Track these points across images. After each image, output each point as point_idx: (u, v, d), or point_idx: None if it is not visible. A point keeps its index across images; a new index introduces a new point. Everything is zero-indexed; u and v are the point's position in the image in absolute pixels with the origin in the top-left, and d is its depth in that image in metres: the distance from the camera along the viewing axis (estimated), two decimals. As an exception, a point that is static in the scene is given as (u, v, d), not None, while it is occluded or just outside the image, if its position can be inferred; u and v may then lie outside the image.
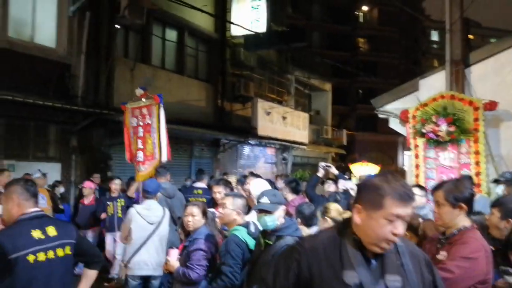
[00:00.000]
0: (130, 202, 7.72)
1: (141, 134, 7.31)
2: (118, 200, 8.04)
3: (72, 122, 10.90)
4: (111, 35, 11.83)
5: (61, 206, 8.85)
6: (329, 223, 4.39)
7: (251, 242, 3.76)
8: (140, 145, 7.29)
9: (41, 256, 2.88)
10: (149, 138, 7.20)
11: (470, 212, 2.88)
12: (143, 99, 7.34)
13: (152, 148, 7.17)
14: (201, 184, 7.68)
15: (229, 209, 3.95)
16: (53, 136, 10.97)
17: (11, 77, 9.27)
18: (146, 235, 5.36)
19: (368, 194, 1.92)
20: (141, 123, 7.33)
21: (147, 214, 5.42)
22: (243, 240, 3.76)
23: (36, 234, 2.91)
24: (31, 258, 2.82)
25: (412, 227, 3.37)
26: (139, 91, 7.41)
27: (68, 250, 3.03)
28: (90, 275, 3.30)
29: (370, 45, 42.09)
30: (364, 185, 2.00)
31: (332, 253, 1.94)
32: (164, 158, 7.01)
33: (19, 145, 10.19)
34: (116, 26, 11.96)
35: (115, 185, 8.29)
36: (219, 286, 3.73)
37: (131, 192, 8.04)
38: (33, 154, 10.43)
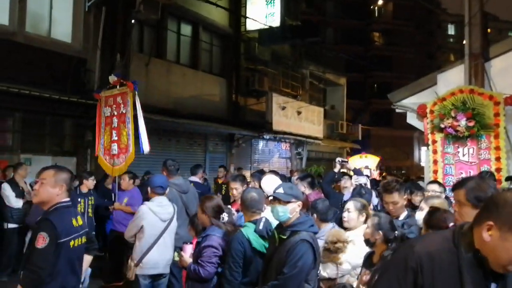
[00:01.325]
0: (106, 194, 7.47)
1: (115, 124, 6.79)
2: (90, 197, 7.52)
3: (87, 116, 10.94)
4: (127, 30, 11.85)
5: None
6: (364, 220, 4.33)
7: (256, 240, 3.71)
8: (114, 137, 6.76)
9: (77, 242, 3.33)
10: (124, 129, 6.69)
11: None
12: (118, 87, 6.84)
13: (126, 140, 6.66)
14: (195, 178, 7.66)
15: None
16: (69, 130, 11.04)
17: (28, 72, 9.33)
18: (158, 233, 5.18)
19: (509, 214, 1.66)
20: (115, 113, 6.79)
21: (160, 211, 5.24)
22: (247, 237, 3.70)
23: (74, 222, 3.35)
24: (71, 243, 3.26)
25: (429, 222, 3.29)
26: (112, 78, 6.95)
27: (84, 238, 3.45)
28: (87, 259, 3.63)
29: (385, 39, 41.68)
30: (505, 202, 1.71)
31: (449, 267, 1.75)
32: (147, 149, 6.56)
33: (36, 139, 10.27)
34: (132, 21, 11.97)
35: (88, 181, 7.63)
36: (222, 284, 3.74)
37: (107, 184, 7.82)
38: (49, 148, 10.52)
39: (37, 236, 3.12)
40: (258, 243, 3.71)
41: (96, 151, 7.15)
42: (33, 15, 10.09)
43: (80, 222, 3.43)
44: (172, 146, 13.67)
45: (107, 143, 6.85)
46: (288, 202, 3.40)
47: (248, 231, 3.75)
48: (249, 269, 3.68)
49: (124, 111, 6.67)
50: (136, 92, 6.61)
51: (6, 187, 7.35)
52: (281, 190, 3.49)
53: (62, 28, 10.74)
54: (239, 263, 3.64)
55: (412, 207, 5.08)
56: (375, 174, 14.38)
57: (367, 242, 3.65)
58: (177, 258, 4.53)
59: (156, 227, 5.21)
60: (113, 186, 7.49)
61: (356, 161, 14.31)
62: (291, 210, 3.41)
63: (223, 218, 4.11)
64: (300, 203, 3.48)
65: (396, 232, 3.50)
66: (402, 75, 33.82)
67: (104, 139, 6.89)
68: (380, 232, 3.52)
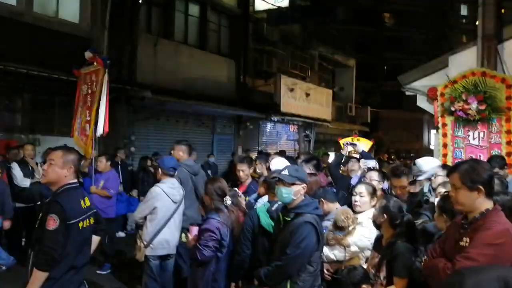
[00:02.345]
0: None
1: (89, 103, 6.46)
2: None
3: (96, 97, 10.96)
4: (134, 10, 11.76)
5: (81, 180, 8.89)
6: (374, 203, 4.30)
7: (264, 219, 3.83)
8: (87, 116, 6.42)
9: (85, 223, 3.36)
10: (94, 109, 6.38)
11: (491, 194, 2.67)
12: (94, 63, 6.44)
13: (95, 120, 6.33)
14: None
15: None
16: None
17: (36, 52, 9.31)
18: (169, 214, 5.25)
19: None
20: (89, 91, 6.46)
21: (172, 192, 5.30)
22: (257, 214, 3.86)
23: (82, 204, 3.39)
24: (80, 224, 3.30)
25: (442, 208, 3.25)
26: (87, 54, 6.50)
27: (92, 219, 3.48)
28: (95, 240, 3.66)
29: (396, 20, 41.05)
30: None
31: None
32: (100, 131, 6.21)
33: (44, 120, 10.30)
34: (139, 1, 11.87)
35: None
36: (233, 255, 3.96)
37: (84, 167, 7.38)
38: (58, 129, 10.54)
39: (47, 218, 3.17)
40: (266, 222, 3.82)
41: (72, 130, 6.77)
42: (40, -6, 10.04)
43: (88, 203, 3.48)
44: (179, 128, 13.66)
45: (83, 122, 6.52)
46: (293, 184, 3.43)
47: (261, 209, 3.91)
48: (256, 244, 3.84)
49: (94, 90, 6.33)
50: (106, 70, 6.20)
51: (15, 166, 7.40)
52: (286, 172, 3.54)
53: (70, 9, 10.70)
54: (248, 237, 3.83)
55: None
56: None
57: (375, 223, 3.66)
58: (184, 239, 4.56)
59: (168, 209, 5.28)
60: (89, 169, 7.17)
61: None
62: (295, 192, 3.44)
63: (225, 201, 4.10)
64: (305, 185, 3.50)
65: (405, 217, 3.48)
66: (413, 57, 33.37)
67: (82, 118, 6.54)
68: (385, 215, 3.53)
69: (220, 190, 4.15)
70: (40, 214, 3.44)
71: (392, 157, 19.52)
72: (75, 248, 3.28)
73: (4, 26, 9.06)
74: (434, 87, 7.44)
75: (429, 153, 13.80)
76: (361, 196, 4.29)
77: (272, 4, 15.83)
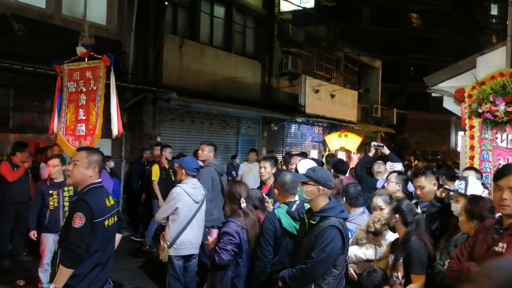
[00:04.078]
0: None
1: (83, 102, 6.08)
2: (65, 188, 5.87)
3: (122, 98, 11.11)
4: (160, 12, 11.90)
5: None
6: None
7: (287, 221, 3.78)
8: (82, 116, 6.07)
9: (110, 221, 3.47)
10: (94, 109, 6.04)
11: None
12: (86, 60, 6.09)
13: (95, 121, 6.01)
14: None
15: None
16: (105, 112, 11.22)
17: (65, 54, 9.47)
18: (191, 214, 5.29)
19: None
20: (83, 89, 6.07)
21: (194, 192, 5.34)
22: (278, 217, 3.80)
23: (107, 202, 3.50)
24: (106, 223, 3.40)
25: (472, 212, 3.20)
26: (80, 49, 6.17)
27: (116, 217, 3.59)
28: (117, 238, 3.79)
29: (423, 20, 40.46)
30: None
31: None
32: (116, 132, 5.96)
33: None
34: (165, 2, 12.01)
35: (56, 166, 5.93)
36: (254, 261, 3.88)
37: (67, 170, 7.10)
38: (86, 130, 10.73)
39: (73, 216, 3.25)
40: (289, 224, 3.78)
41: (50, 129, 6.36)
42: (69, -3, 10.25)
43: (112, 202, 3.58)
44: (205, 129, 13.76)
45: (70, 122, 6.15)
46: (305, 183, 3.45)
47: (281, 212, 3.85)
48: (279, 248, 3.78)
49: (95, 88, 5.98)
50: (112, 68, 5.93)
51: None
52: (303, 172, 3.58)
53: (97, 11, 10.88)
54: (270, 241, 3.76)
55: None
56: (355, 158, 11.94)
57: (389, 226, 3.70)
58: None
59: (190, 209, 5.32)
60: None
61: (333, 141, 12.37)
62: (307, 192, 3.45)
63: (241, 203, 4.09)
64: (321, 188, 3.45)
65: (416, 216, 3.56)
66: (440, 57, 32.83)
67: (67, 117, 6.16)
68: (397, 215, 3.62)
69: (237, 193, 4.13)
70: (67, 213, 3.54)
71: (415, 161, 19.18)
72: (101, 245, 3.37)
73: (35, 28, 9.28)
74: (461, 88, 7.28)
75: (456, 155, 13.37)
76: (381, 209, 4.27)
77: (297, 5, 15.78)
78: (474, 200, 3.31)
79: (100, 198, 3.45)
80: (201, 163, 6.25)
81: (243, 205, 4.07)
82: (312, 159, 6.56)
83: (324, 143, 19.88)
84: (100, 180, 3.55)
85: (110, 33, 10.91)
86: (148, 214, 9.24)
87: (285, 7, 16.39)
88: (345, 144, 11.72)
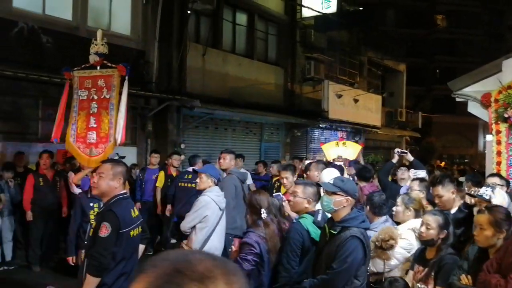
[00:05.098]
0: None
1: (94, 110, 6.08)
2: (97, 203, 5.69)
3: (147, 107, 11.31)
4: (183, 21, 12.06)
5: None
6: (411, 214, 4.25)
7: (314, 231, 3.75)
8: (93, 124, 6.07)
9: (135, 232, 3.54)
10: (106, 117, 6.04)
11: None
12: (98, 68, 6.14)
13: (107, 129, 6.01)
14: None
15: (300, 198, 3.94)
16: (129, 120, 11.42)
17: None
18: (216, 221, 5.38)
19: None
20: (95, 97, 6.07)
21: (219, 200, 5.37)
22: (305, 228, 3.75)
23: (133, 213, 3.57)
24: (132, 233, 3.47)
25: (497, 223, 3.15)
26: (93, 57, 6.18)
27: (140, 228, 3.66)
28: (141, 248, 3.86)
29: (448, 21, 39.84)
30: None
31: None
32: (118, 140, 5.94)
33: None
34: (188, 11, 12.17)
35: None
36: (279, 272, 3.80)
37: (77, 180, 6.94)
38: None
39: (100, 226, 3.33)
40: (316, 234, 3.76)
41: (53, 135, 6.33)
42: (94, 9, 10.49)
43: (137, 213, 3.65)
44: (228, 136, 13.85)
45: (81, 129, 6.16)
46: (334, 193, 3.42)
47: (307, 222, 3.81)
48: (304, 259, 3.74)
49: (107, 97, 5.98)
50: (126, 78, 5.91)
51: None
52: (331, 181, 3.53)
53: (121, 22, 11.10)
54: (297, 252, 3.70)
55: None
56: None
57: (427, 242, 3.58)
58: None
59: (217, 216, 5.33)
60: (84, 181, 6.64)
61: (330, 150, 11.72)
62: (335, 203, 3.42)
63: (262, 213, 4.09)
64: (349, 198, 3.44)
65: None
66: (467, 59, 32.27)
67: (78, 125, 6.17)
68: (445, 231, 3.51)
69: (257, 204, 4.12)
70: (94, 223, 3.63)
71: (442, 163, 18.85)
72: (126, 255, 3.44)
73: (62, 40, 9.53)
74: (488, 93, 7.18)
75: (484, 158, 13.01)
76: (396, 206, 4.31)
77: (318, 12, 15.77)
78: (497, 209, 3.26)
79: (126, 208, 3.52)
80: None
81: (264, 215, 4.08)
82: (335, 166, 6.54)
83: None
84: (125, 191, 3.63)
85: (134, 43, 11.12)
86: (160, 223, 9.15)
87: (307, 13, 16.39)
88: (343, 152, 10.97)
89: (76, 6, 10.07)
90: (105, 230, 3.32)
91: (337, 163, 8.91)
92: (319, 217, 3.79)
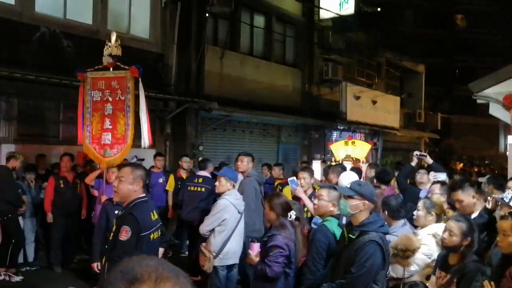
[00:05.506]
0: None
1: (109, 112, 6.09)
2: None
3: (166, 110, 11.40)
4: (201, 23, 12.13)
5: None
6: (433, 218, 4.21)
7: (339, 234, 3.74)
8: (108, 125, 6.08)
9: (155, 235, 3.56)
10: (122, 118, 6.06)
11: None
12: (111, 69, 6.14)
13: (124, 130, 6.04)
14: (204, 173, 7.41)
15: (324, 201, 3.96)
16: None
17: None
18: (235, 225, 5.38)
19: None
20: (109, 99, 6.09)
21: (238, 203, 5.41)
22: (332, 231, 3.78)
23: (152, 216, 3.58)
24: (152, 236, 3.50)
25: None
26: (107, 59, 6.18)
27: (159, 231, 3.69)
28: (160, 252, 3.96)
29: (468, 21, 39.29)
30: None
31: None
32: (146, 143, 6.07)
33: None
34: (206, 14, 12.23)
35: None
36: (304, 274, 3.81)
37: (89, 180, 7.05)
38: (133, 142, 11.03)
39: (120, 229, 3.36)
40: None
41: (79, 139, 6.33)
42: (113, 13, 10.62)
43: (156, 216, 3.67)
44: (245, 138, 13.88)
45: (96, 130, 6.17)
46: (350, 197, 3.40)
47: (332, 225, 3.84)
48: (330, 262, 3.76)
49: (122, 98, 6.00)
50: (140, 79, 5.94)
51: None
52: (348, 185, 3.53)
53: (140, 25, 11.22)
54: (323, 254, 3.73)
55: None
56: (364, 167, 10.26)
57: (450, 248, 3.51)
58: None
59: (235, 219, 5.38)
60: (97, 182, 6.82)
61: (339, 149, 11.31)
62: (352, 206, 3.41)
63: (290, 216, 4.12)
64: (366, 202, 3.43)
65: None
66: (487, 59, 31.79)
67: (92, 126, 6.18)
68: (469, 238, 3.44)
69: (285, 205, 4.16)
70: (114, 227, 3.67)
71: (460, 165, 18.60)
72: None
73: (82, 44, 9.66)
74: (510, 94, 7.10)
75: (506, 160, 12.79)
76: (418, 210, 4.26)
77: (336, 13, 15.71)
78: None
79: (146, 212, 3.55)
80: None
81: (293, 217, 4.12)
82: (352, 169, 6.51)
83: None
84: (144, 194, 3.65)
85: (153, 46, 11.23)
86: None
87: (324, 14, 16.34)
88: (352, 152, 10.68)
89: (96, 10, 10.21)
90: (125, 234, 3.35)
91: (346, 163, 8.76)
92: (344, 220, 3.79)
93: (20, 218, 7.52)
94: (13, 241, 7.15)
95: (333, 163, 10.34)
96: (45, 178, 8.00)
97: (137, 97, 6.10)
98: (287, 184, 6.60)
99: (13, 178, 7.40)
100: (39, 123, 9.40)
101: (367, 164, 9.87)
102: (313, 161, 12.63)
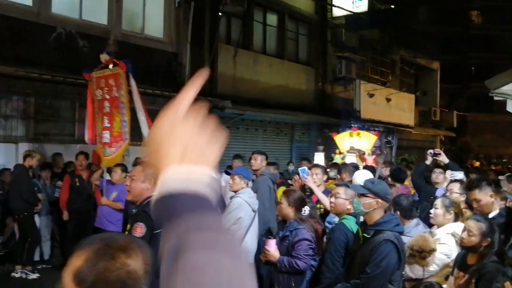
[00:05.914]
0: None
1: (107, 109, 6.03)
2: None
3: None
4: (214, 23, 12.16)
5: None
6: (451, 217, 4.16)
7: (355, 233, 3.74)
8: (106, 123, 6.01)
9: None
10: (117, 115, 5.95)
11: None
12: (110, 66, 6.07)
13: (120, 127, 5.93)
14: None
15: (342, 199, 3.96)
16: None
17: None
18: (250, 223, 5.38)
19: None
20: (107, 96, 6.01)
21: (252, 201, 5.38)
22: (350, 229, 3.78)
23: None
24: None
25: None
26: (104, 56, 6.15)
27: None
28: None
29: (484, 17, 38.79)
30: None
31: None
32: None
33: (133, 131, 10.89)
34: (219, 13, 12.26)
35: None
36: (322, 273, 3.82)
37: (95, 179, 7.02)
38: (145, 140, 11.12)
39: (134, 226, 3.39)
40: None
41: (88, 138, 6.35)
42: (128, 13, 10.71)
43: None
44: (259, 136, 13.89)
45: (99, 130, 6.15)
46: (363, 195, 3.39)
47: (351, 223, 3.84)
48: (345, 260, 3.76)
49: (117, 95, 5.91)
50: (131, 74, 5.82)
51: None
52: (361, 183, 3.51)
53: (155, 25, 11.29)
54: (341, 252, 3.75)
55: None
56: (370, 159, 10.28)
57: (468, 248, 3.49)
58: None
59: (250, 217, 5.36)
60: (101, 182, 6.78)
61: (344, 141, 11.21)
62: (365, 205, 3.40)
63: (304, 211, 4.13)
64: (379, 200, 3.40)
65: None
66: (503, 56, 31.36)
67: (97, 125, 6.16)
68: (489, 238, 3.40)
69: (302, 200, 4.19)
70: (129, 225, 3.71)
71: (476, 163, 18.35)
72: (157, 257, 3.49)
73: (98, 44, 9.74)
74: (527, 91, 6.98)
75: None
76: (436, 209, 4.18)
77: (349, 11, 15.62)
78: None
79: None
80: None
81: (307, 212, 4.13)
82: (366, 167, 6.47)
83: (381, 148, 19.53)
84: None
85: (167, 45, 11.29)
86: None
87: (337, 12, 16.27)
88: (357, 144, 10.58)
89: (111, 10, 10.30)
90: (140, 230, 3.36)
91: (349, 155, 8.62)
92: (362, 218, 3.78)
93: (36, 216, 7.62)
94: (29, 238, 7.25)
95: (337, 155, 10.26)
96: (60, 177, 8.08)
97: (131, 93, 6.03)
98: (283, 184, 6.63)
99: (29, 177, 7.50)
100: (55, 122, 9.52)
101: (373, 156, 9.68)
102: (315, 153, 12.54)
